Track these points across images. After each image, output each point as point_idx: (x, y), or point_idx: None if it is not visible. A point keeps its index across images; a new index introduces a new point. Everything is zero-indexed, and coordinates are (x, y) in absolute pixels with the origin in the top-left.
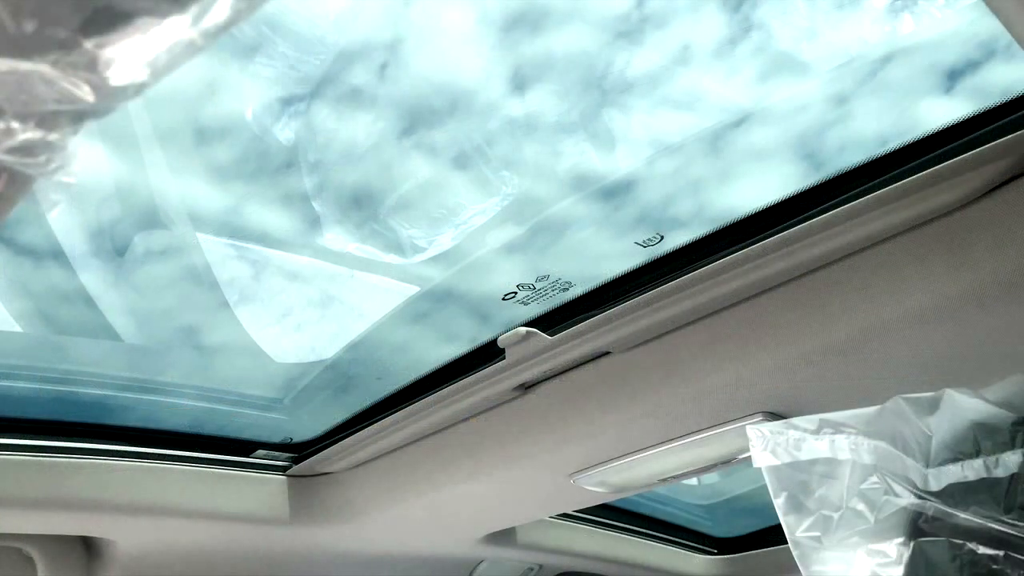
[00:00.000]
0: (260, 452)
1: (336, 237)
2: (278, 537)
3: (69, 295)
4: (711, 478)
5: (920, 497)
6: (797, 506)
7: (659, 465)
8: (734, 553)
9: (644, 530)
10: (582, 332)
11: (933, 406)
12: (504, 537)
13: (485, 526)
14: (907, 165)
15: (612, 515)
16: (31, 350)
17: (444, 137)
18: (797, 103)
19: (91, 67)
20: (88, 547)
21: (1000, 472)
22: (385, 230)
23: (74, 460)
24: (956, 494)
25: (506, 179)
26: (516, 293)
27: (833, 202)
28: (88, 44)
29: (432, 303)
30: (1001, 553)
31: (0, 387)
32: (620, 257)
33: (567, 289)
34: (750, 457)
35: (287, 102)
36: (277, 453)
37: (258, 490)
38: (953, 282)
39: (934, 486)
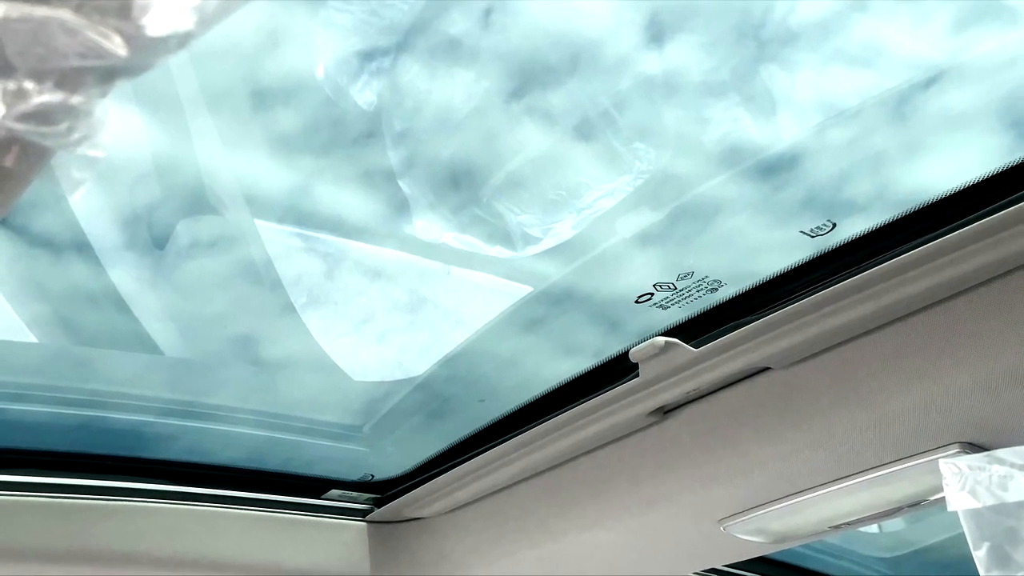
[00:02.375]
0: (334, 492)
1: (428, 225)
2: None
3: (96, 297)
4: (894, 525)
5: None
6: (1003, 560)
7: (830, 509)
8: None
9: None
10: (734, 343)
11: None
12: None
13: None
14: None
15: (771, 571)
16: (49, 366)
17: (563, 100)
18: (1003, 57)
19: (123, 12)
20: None
21: None
22: (489, 216)
23: (103, 502)
24: None
25: (640, 153)
26: (653, 295)
27: None
28: None
29: (548, 307)
30: None
31: (11, 412)
32: (782, 250)
33: (716, 289)
34: (943, 499)
35: (368, 56)
36: (355, 494)
37: (331, 539)
38: None
39: None
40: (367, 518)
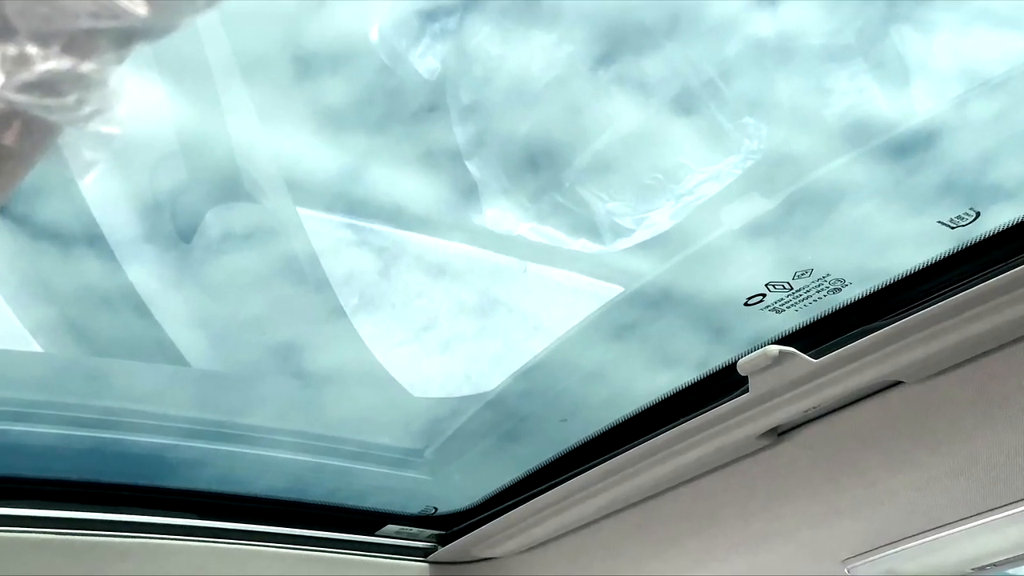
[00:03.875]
0: (391, 528)
1: (501, 214)
2: None
3: (111, 298)
4: None
5: None
6: None
7: (974, 548)
8: None
9: None
10: (860, 353)
11: None
12: None
13: None
14: None
15: None
16: (56, 379)
17: (659, 68)
18: None
19: None
20: None
21: None
22: (573, 204)
23: (118, 539)
24: None
25: (750, 129)
26: (765, 296)
27: None
28: None
29: (642, 310)
30: None
31: (12, 434)
32: (917, 243)
33: (839, 290)
34: None
35: (429, 16)
36: (416, 530)
37: None
38: None
39: None
40: (429, 558)
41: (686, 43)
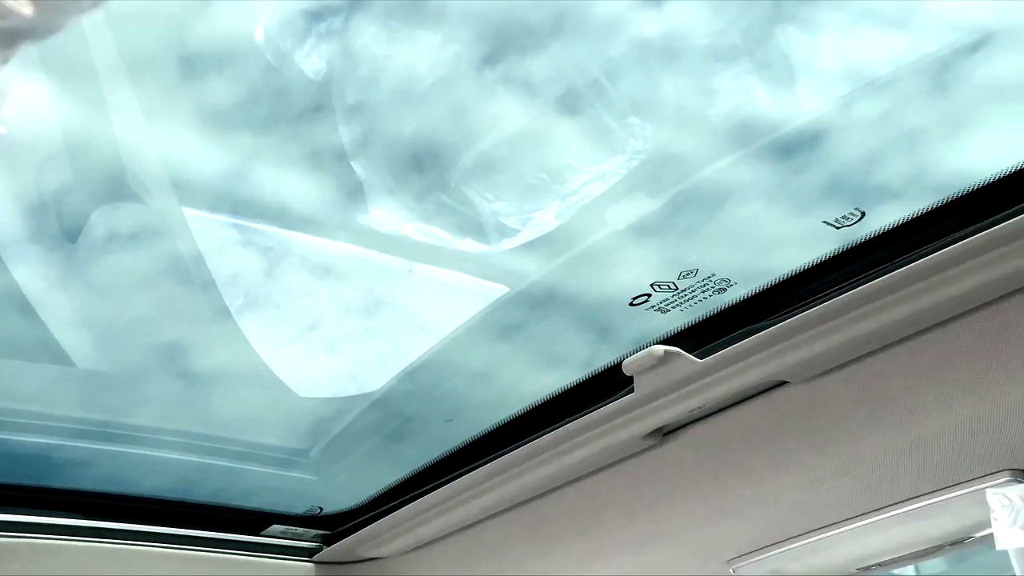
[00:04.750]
0: (277, 528)
1: (387, 214)
2: None
3: None
4: (934, 567)
5: None
6: None
7: (858, 548)
8: None
9: None
10: (745, 353)
11: None
12: None
13: None
14: None
15: None
16: None
17: (544, 68)
18: None
19: None
20: None
21: None
22: (458, 204)
23: (4, 539)
24: None
25: (635, 129)
26: (650, 296)
27: None
28: None
29: (527, 310)
30: None
31: None
32: (802, 243)
33: (725, 290)
34: (991, 535)
35: (315, 16)
36: (301, 530)
37: None
38: None
39: None
40: (314, 558)
41: (571, 43)
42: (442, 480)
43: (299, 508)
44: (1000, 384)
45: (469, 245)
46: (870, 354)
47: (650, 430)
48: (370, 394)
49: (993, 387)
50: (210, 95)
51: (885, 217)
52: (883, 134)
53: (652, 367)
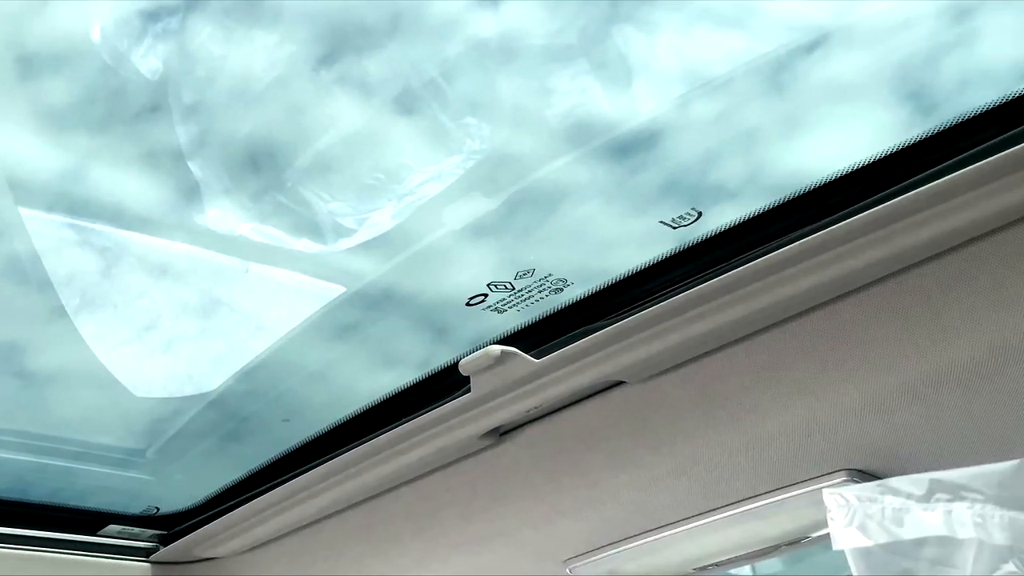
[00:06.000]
0: (113, 528)
1: (223, 214)
2: None
3: None
4: (771, 567)
5: None
6: None
7: (695, 548)
8: None
9: None
10: (583, 353)
11: None
12: None
13: None
14: None
15: None
16: None
17: (381, 68)
18: (898, 17)
19: None
20: None
21: None
22: (295, 204)
23: None
24: None
25: (472, 129)
26: (487, 296)
27: (950, 163)
28: None
29: (364, 310)
30: None
31: None
32: (639, 243)
33: (561, 290)
34: (828, 535)
35: (152, 16)
36: (137, 530)
37: None
38: None
39: None
40: (151, 558)
41: (408, 43)
42: (279, 480)
43: (136, 508)
44: (836, 384)
45: (305, 245)
46: (707, 354)
47: (487, 430)
48: (207, 394)
49: (829, 387)
50: (47, 95)
51: (722, 217)
52: (720, 134)
53: (489, 367)
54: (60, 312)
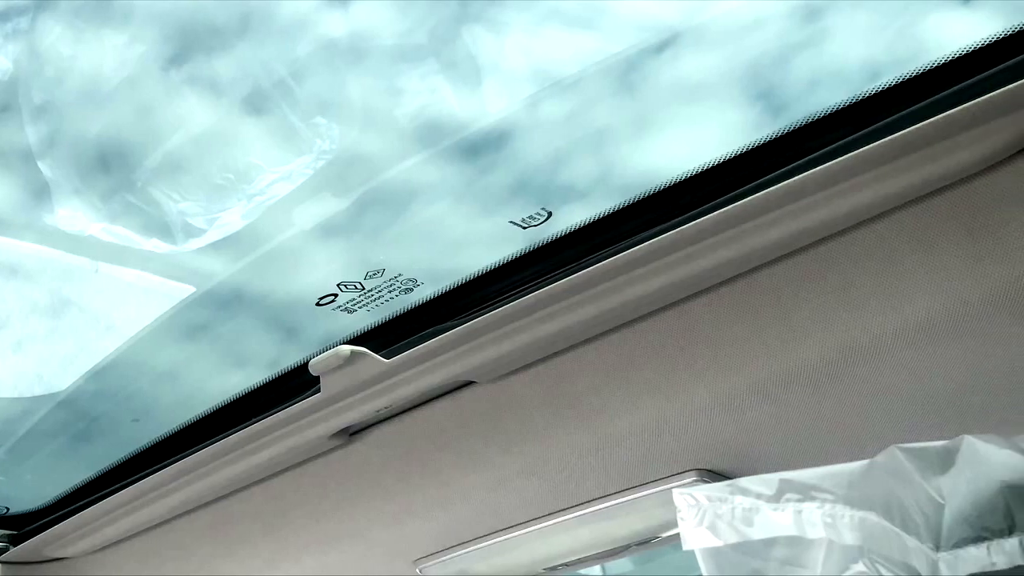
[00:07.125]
0: None
1: (73, 214)
2: None
3: None
4: (621, 567)
5: None
6: None
7: (545, 547)
8: None
9: None
10: (433, 353)
11: (946, 460)
12: None
13: None
14: (908, 109)
15: None
16: None
17: (230, 68)
18: (748, 17)
19: None
20: None
21: None
22: (144, 204)
23: None
24: None
25: (321, 129)
26: (337, 296)
27: (800, 163)
28: None
29: (214, 310)
30: None
31: None
32: (489, 243)
33: (411, 290)
34: (678, 535)
35: (2, 16)
36: None
37: None
38: (973, 279)
39: None
40: (1, 558)
41: (257, 43)
42: (129, 480)
43: None
44: (686, 384)
45: (155, 245)
46: (556, 354)
47: (336, 430)
48: (57, 394)
49: (679, 387)
50: None
51: (571, 217)
52: (569, 134)
53: (338, 367)
54: None
